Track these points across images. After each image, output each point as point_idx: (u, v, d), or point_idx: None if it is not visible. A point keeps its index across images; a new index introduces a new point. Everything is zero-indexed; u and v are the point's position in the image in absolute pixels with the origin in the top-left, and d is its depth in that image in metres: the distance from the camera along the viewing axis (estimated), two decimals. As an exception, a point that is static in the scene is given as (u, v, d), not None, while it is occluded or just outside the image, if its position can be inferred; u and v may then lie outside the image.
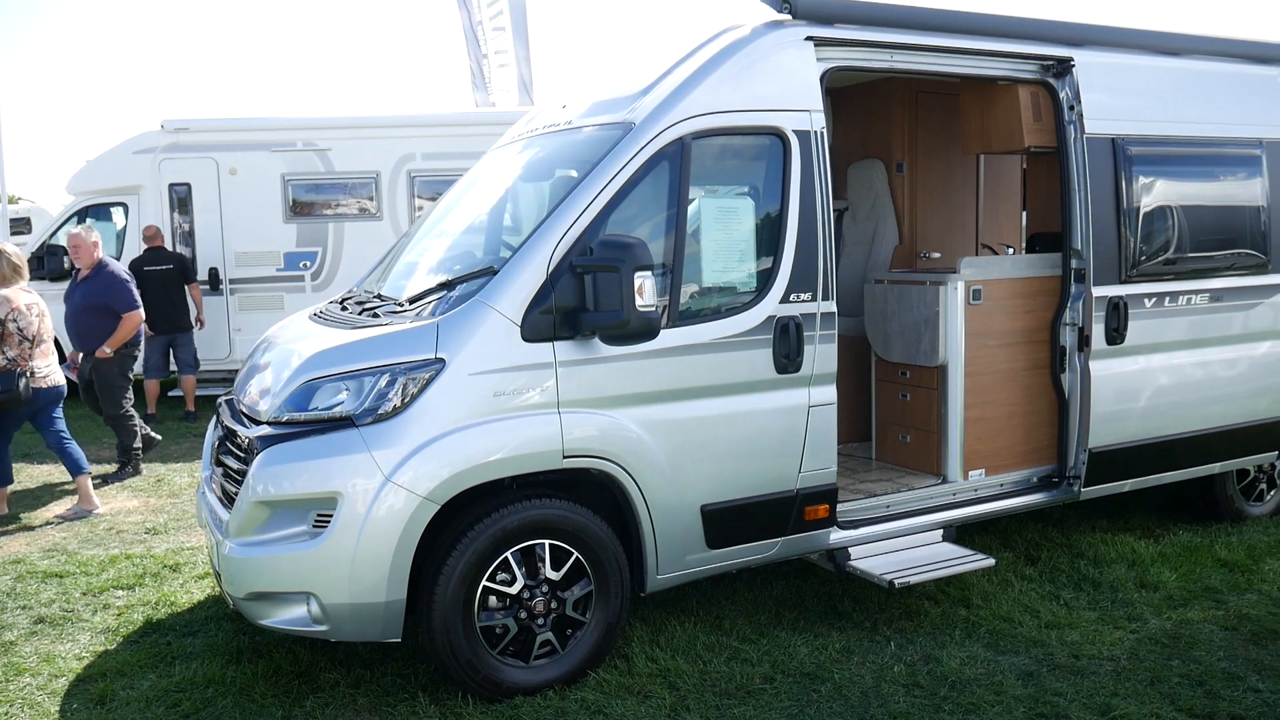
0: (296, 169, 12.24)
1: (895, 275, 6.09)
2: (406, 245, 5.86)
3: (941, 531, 5.54)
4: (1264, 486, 6.91)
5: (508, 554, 4.40)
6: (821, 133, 5.00)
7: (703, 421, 4.74)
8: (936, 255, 7.00)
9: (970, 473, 5.78)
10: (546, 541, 4.48)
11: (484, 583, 4.36)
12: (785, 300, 4.87)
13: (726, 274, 4.84)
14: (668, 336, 4.60)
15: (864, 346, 6.30)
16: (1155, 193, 5.94)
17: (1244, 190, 6.31)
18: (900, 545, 5.40)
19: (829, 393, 5.04)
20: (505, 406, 4.34)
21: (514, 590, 4.42)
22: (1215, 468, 6.40)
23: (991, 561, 5.29)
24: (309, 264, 12.31)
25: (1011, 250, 6.35)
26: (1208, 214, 6.20)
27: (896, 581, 5.00)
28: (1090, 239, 5.69)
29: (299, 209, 12.33)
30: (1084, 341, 5.77)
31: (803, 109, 4.96)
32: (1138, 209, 5.87)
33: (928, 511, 5.57)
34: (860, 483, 5.83)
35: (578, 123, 5.22)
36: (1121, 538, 6.43)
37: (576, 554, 4.54)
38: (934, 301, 5.68)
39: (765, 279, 4.87)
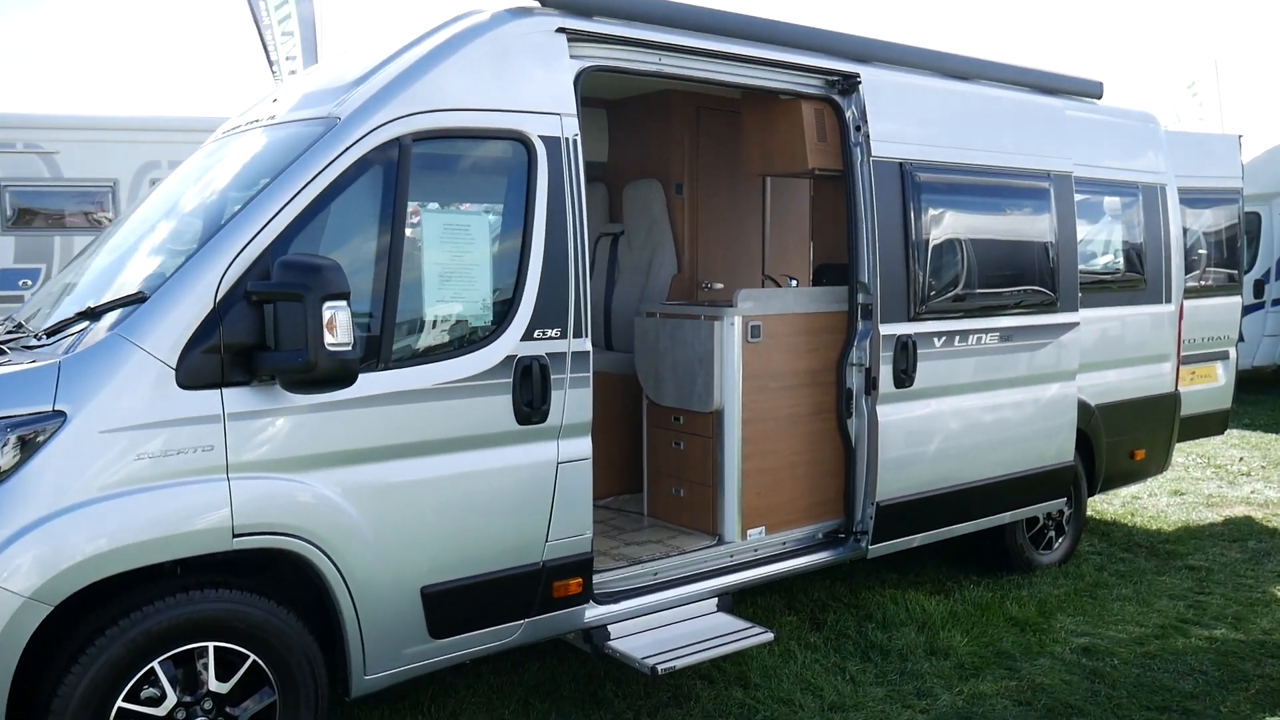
0: (16, 174, 10.61)
1: (667, 308, 5.41)
2: (81, 263, 4.75)
3: (717, 600, 4.86)
4: (1053, 534, 6.61)
5: (154, 664, 3.40)
6: (575, 140, 4.25)
7: (424, 485, 3.88)
8: (719, 286, 6.39)
9: (749, 531, 5.13)
10: (210, 644, 3.50)
11: (120, 703, 3.34)
12: (529, 337, 4.08)
13: (455, 305, 4.00)
14: (378, 381, 3.73)
15: (639, 387, 5.59)
16: (945, 224, 5.51)
17: (1033, 225, 5.98)
18: (669, 618, 4.68)
19: (583, 446, 4.27)
20: (153, 473, 3.35)
21: (163, 712, 3.42)
22: (1006, 518, 6.01)
23: (770, 636, 4.63)
24: (30, 283, 10.69)
25: (795, 282, 5.83)
26: (998, 248, 5.83)
27: (660, 667, 4.25)
28: (877, 272, 5.17)
29: (19, 219, 10.70)
30: (871, 384, 5.24)
31: (551, 112, 4.20)
32: (927, 241, 5.41)
33: (701, 578, 4.87)
34: (626, 545, 5.08)
35: (282, 117, 4.29)
36: (912, 595, 5.94)
37: (254, 657, 3.57)
38: (708, 338, 5.02)
39: (504, 312, 4.07)
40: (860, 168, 5.20)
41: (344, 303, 3.42)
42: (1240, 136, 8.69)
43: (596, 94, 6.48)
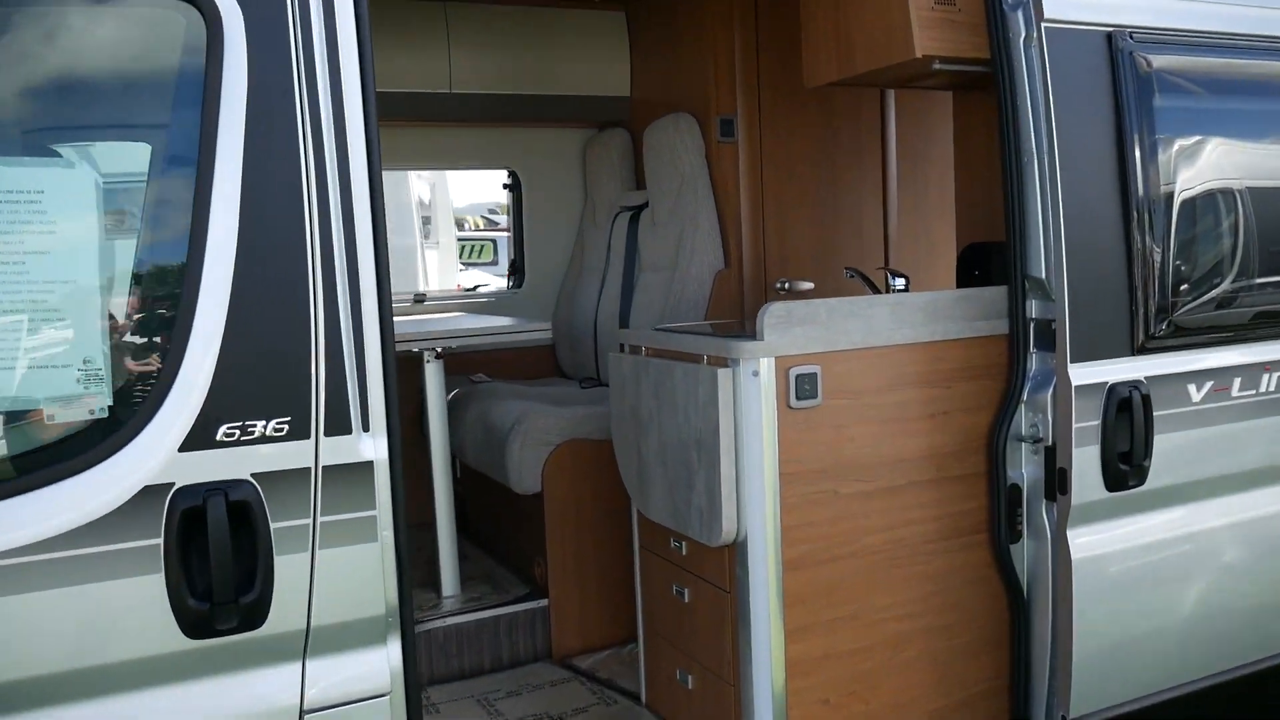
0: None
1: (658, 337, 2.96)
2: None
3: None
4: None
5: None
6: (332, 3, 1.92)
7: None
8: (807, 286, 3.87)
9: (807, 774, 2.64)
10: None
11: None
12: (201, 442, 1.79)
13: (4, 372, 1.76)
14: None
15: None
16: (1206, 155, 2.80)
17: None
18: None
19: (367, 668, 1.95)
20: None
21: None
22: (1338, 712, 3.22)
23: None
24: None
25: (904, 283, 3.26)
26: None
27: None
28: (1062, 259, 2.56)
29: None
30: (1058, 480, 2.63)
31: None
32: (1168, 191, 2.73)
33: None
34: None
35: None
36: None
37: None
38: (709, 402, 2.56)
39: (140, 384, 1.80)
40: (1023, 50, 2.60)
41: None
42: None
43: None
